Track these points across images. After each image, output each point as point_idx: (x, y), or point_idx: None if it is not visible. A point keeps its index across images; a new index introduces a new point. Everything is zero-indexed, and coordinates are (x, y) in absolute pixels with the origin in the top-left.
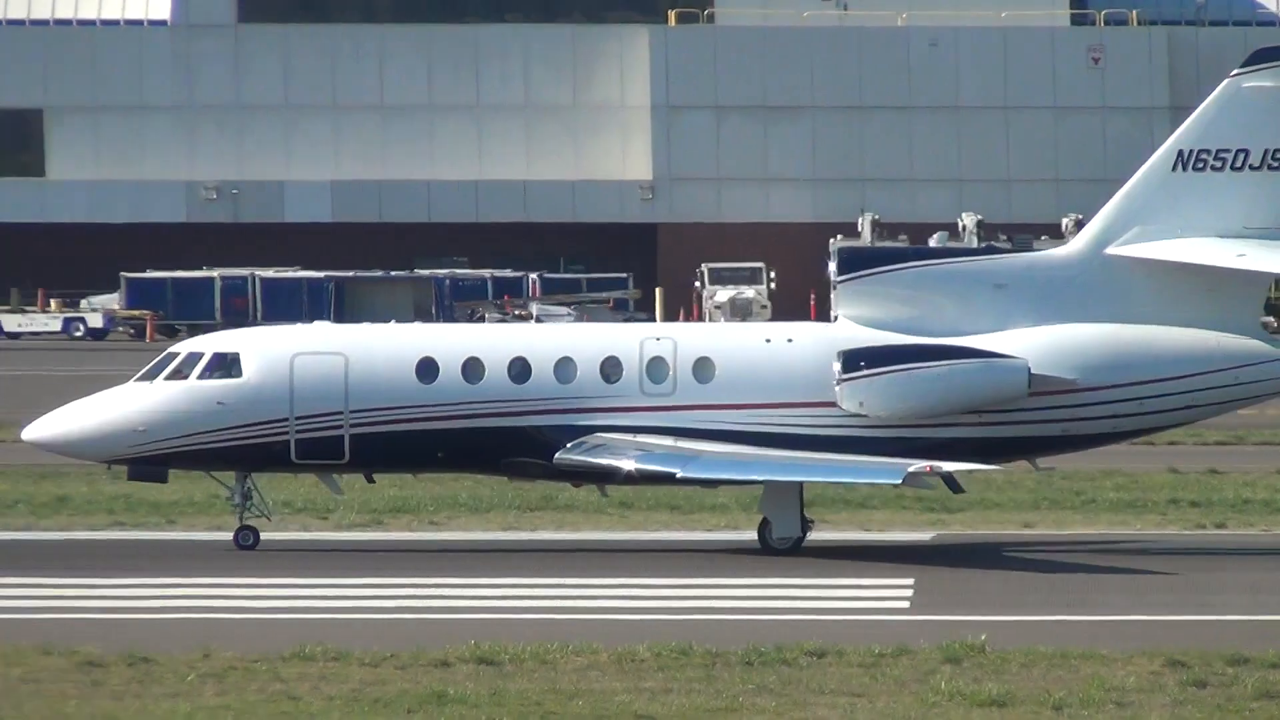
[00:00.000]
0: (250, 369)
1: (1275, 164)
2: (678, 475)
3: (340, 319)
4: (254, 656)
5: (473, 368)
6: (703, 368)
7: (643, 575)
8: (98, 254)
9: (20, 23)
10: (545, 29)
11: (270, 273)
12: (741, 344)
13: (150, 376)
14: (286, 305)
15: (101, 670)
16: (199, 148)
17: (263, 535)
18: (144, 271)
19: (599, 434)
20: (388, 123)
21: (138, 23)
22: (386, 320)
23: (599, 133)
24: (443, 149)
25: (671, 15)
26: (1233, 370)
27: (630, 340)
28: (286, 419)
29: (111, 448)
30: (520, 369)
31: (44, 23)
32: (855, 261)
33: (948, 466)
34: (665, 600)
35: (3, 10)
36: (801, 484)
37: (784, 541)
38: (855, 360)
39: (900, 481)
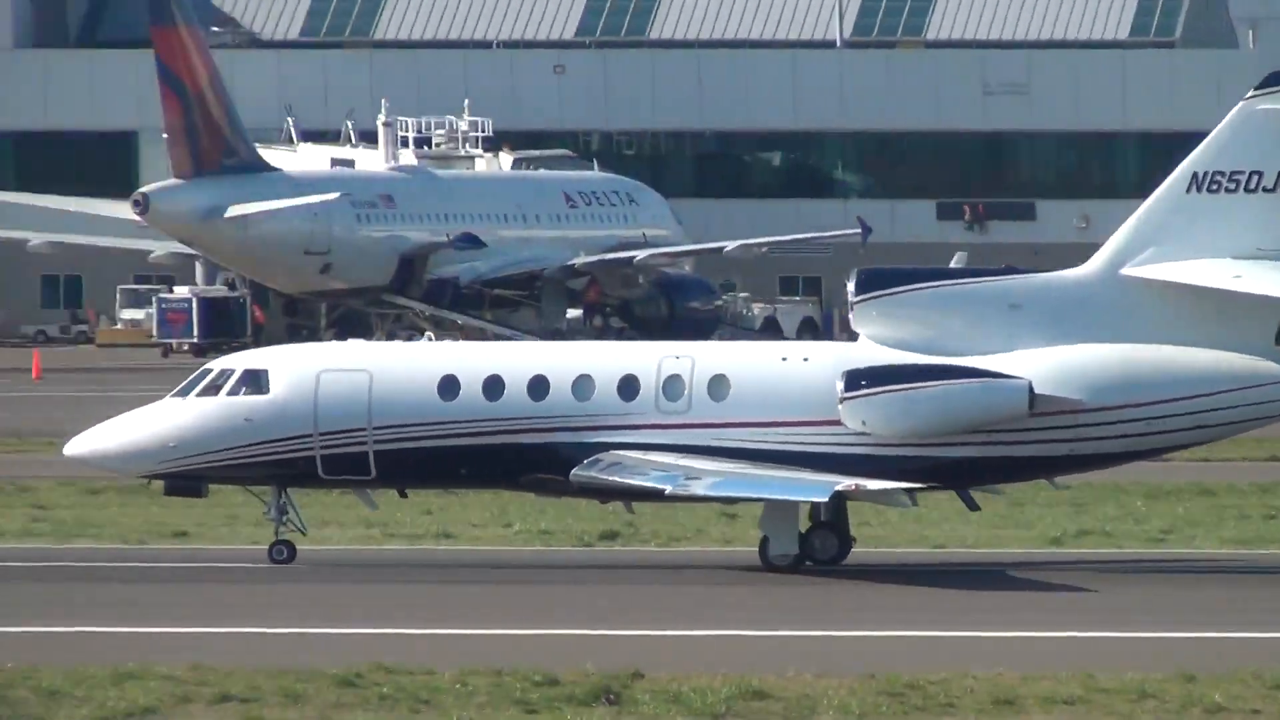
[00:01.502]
0: (277, 385)
1: None
2: (667, 491)
3: None
4: None
5: (493, 385)
6: (718, 385)
7: None
8: None
9: None
10: None
11: None
12: (757, 362)
13: (184, 393)
14: None
15: None
16: None
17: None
18: None
19: (614, 451)
20: None
21: None
22: None
23: None
24: None
25: None
26: (1242, 391)
27: (649, 358)
28: (312, 435)
29: (145, 463)
30: (539, 387)
31: None
32: (873, 281)
33: (872, 485)
34: None
35: None
36: (809, 503)
37: (783, 559)
38: (857, 379)
39: (827, 499)
